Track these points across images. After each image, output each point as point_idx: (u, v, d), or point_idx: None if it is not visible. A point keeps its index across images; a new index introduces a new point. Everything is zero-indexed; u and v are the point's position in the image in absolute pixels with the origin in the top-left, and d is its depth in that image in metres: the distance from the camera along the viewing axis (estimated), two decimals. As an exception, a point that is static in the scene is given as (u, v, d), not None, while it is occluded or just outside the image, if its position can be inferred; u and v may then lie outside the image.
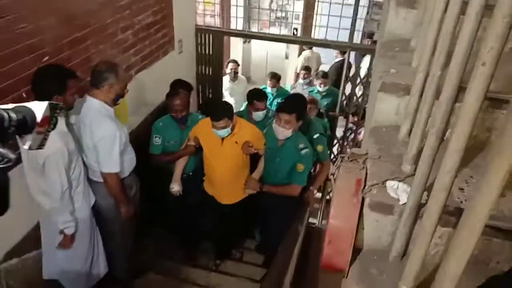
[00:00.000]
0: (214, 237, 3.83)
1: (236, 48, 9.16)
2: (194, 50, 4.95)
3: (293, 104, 2.99)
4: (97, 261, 2.82)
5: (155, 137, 3.27)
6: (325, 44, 4.63)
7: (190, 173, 3.44)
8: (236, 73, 5.77)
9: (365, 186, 1.13)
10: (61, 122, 2.29)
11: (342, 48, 4.84)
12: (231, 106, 3.11)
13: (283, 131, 2.86)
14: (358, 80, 4.74)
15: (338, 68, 6.21)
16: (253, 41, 8.93)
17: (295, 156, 2.93)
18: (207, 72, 5.05)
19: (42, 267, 2.75)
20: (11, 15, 2.28)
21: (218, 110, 2.95)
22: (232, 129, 2.97)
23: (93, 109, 2.47)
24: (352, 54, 4.89)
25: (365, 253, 1.16)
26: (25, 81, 2.36)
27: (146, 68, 3.90)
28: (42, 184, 2.34)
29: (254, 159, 3.24)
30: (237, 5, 6.41)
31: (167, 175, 3.37)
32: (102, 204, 2.72)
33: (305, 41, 5.25)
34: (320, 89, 5.42)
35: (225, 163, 3.09)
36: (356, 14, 4.24)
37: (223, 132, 2.92)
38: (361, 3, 4.40)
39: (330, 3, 4.36)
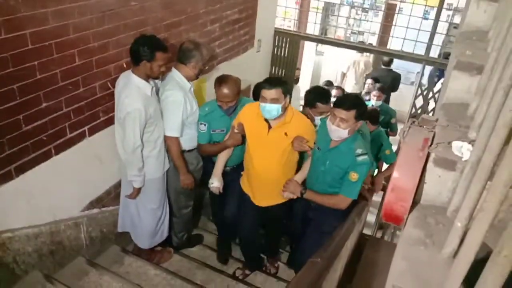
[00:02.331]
0: (246, 243, 3.28)
1: (307, 59, 9.34)
2: (270, 51, 5.21)
3: (352, 100, 2.43)
4: (163, 224, 3.08)
5: (200, 124, 2.91)
6: (400, 55, 4.67)
7: (235, 166, 3.07)
8: (297, 80, 5.95)
9: (431, 145, 1.24)
10: (146, 87, 2.57)
11: (417, 61, 4.85)
12: (287, 82, 2.77)
13: (337, 131, 2.39)
14: (431, 95, 4.71)
15: (388, 79, 5.78)
16: (325, 56, 9.03)
17: (349, 162, 2.46)
18: (280, 73, 5.28)
19: (116, 220, 3.07)
20: (125, -7, 2.64)
21: (272, 79, 2.65)
22: (283, 113, 2.54)
23: (173, 80, 2.75)
24: (427, 70, 4.87)
25: (424, 206, 1.26)
26: (127, 52, 2.70)
27: (227, 61, 4.19)
28: (122, 137, 2.62)
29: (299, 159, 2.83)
30: (315, 23, 6.59)
31: (211, 168, 3.02)
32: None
33: (380, 51, 5.32)
34: (374, 103, 4.64)
35: (268, 158, 2.65)
36: (435, 29, 4.25)
37: (273, 110, 2.46)
38: (443, 18, 4.42)
39: (410, 16, 4.41)
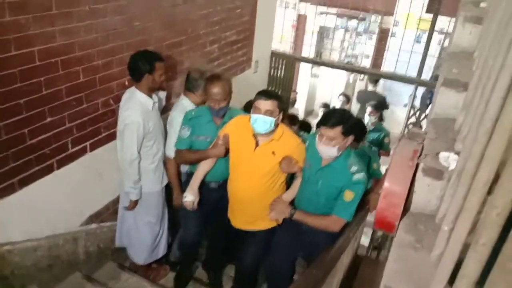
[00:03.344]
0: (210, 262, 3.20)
1: (303, 81, 9.53)
2: (267, 72, 5.34)
3: (337, 116, 2.26)
4: (160, 240, 3.11)
5: (183, 128, 2.68)
6: (393, 77, 4.81)
7: (221, 182, 2.76)
8: (294, 101, 6.09)
9: (420, 156, 1.32)
10: (148, 102, 2.65)
11: (410, 82, 4.98)
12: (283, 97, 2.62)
13: (326, 150, 2.25)
14: (423, 116, 4.84)
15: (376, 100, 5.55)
16: (320, 79, 9.23)
17: (344, 181, 2.29)
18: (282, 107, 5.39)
19: (114, 236, 3.10)
20: (129, 13, 2.75)
21: (269, 91, 2.50)
22: (274, 130, 2.38)
23: (182, 105, 2.87)
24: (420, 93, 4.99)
25: (414, 214, 1.33)
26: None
27: (225, 80, 4.30)
28: (120, 149, 2.69)
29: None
30: (311, 45, 6.79)
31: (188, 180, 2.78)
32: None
33: (373, 73, 5.47)
34: (372, 120, 4.57)
35: (251, 177, 2.46)
36: (427, 51, 4.41)
37: (266, 123, 2.29)
38: (435, 42, 4.58)
39: (402, 39, 4.57)
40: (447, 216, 1.11)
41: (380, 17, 7.61)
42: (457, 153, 1.32)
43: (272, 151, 2.40)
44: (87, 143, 2.71)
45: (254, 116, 2.31)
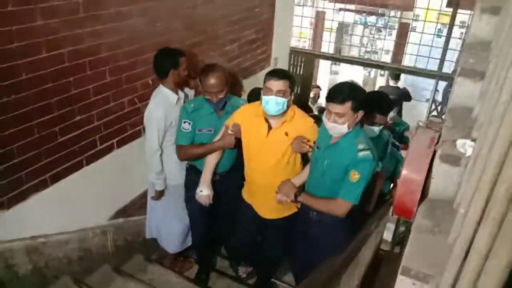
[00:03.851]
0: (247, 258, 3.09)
1: (323, 78, 9.53)
2: (287, 69, 5.38)
3: (345, 91, 2.11)
4: (190, 230, 3.14)
5: (184, 122, 2.57)
6: (413, 71, 4.78)
7: (224, 173, 2.73)
8: (318, 97, 6.11)
9: (437, 143, 1.35)
10: (173, 97, 2.71)
11: (430, 76, 4.95)
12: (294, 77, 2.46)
13: (334, 127, 2.12)
14: (445, 109, 4.79)
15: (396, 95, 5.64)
16: (340, 75, 9.21)
17: (350, 159, 2.16)
18: (296, 91, 5.43)
19: (140, 230, 3.21)
20: (152, 15, 2.85)
21: (279, 70, 2.48)
22: (285, 111, 2.31)
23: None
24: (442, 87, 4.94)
25: (432, 200, 1.37)
26: (152, 71, 2.89)
27: (245, 78, 4.37)
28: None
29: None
30: (329, 41, 6.79)
31: (195, 175, 2.71)
32: None
33: (394, 67, 5.45)
34: (390, 115, 4.67)
35: (268, 162, 2.41)
36: (447, 45, 4.37)
37: (279, 103, 2.22)
38: (456, 35, 4.54)
39: (422, 33, 4.54)
40: (463, 199, 1.14)
41: (399, 12, 7.55)
42: (474, 140, 1.35)
43: (284, 132, 2.34)
44: (114, 141, 2.82)
45: (265, 97, 2.23)
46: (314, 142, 2.36)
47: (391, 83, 6.05)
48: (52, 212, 2.54)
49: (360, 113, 2.15)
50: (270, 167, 2.42)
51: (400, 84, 6.55)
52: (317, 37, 7.41)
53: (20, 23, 2.06)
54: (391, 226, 5.14)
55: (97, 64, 2.53)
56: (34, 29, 2.13)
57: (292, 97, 2.31)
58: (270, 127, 2.36)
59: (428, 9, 4.96)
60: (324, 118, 2.17)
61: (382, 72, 7.43)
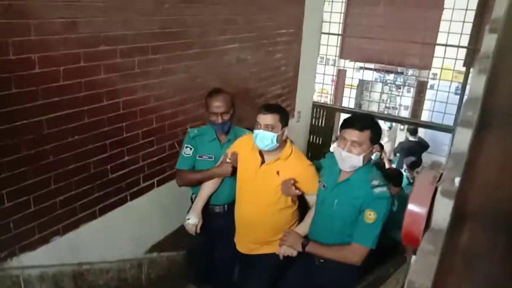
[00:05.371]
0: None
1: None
2: (309, 122, 5.75)
3: (365, 119, 1.97)
4: None
5: (186, 147, 2.60)
6: (429, 125, 5.06)
7: (226, 206, 2.62)
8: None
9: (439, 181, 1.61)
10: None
11: (445, 130, 5.18)
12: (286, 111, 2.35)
13: (349, 158, 1.92)
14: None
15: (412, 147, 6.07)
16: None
17: (364, 196, 1.94)
18: (317, 141, 5.76)
19: (171, 265, 3.44)
20: (193, 71, 3.27)
21: (270, 104, 2.38)
22: (280, 148, 2.22)
23: None
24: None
25: (435, 230, 1.61)
26: (191, 119, 3.27)
27: (270, 129, 4.73)
28: None
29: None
30: (349, 97, 7.20)
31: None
32: None
33: (411, 122, 5.73)
34: (409, 175, 4.93)
35: (256, 197, 2.28)
36: (461, 101, 4.66)
37: (266, 138, 2.13)
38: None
39: (437, 90, 4.86)
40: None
41: (417, 71, 7.95)
42: (470, 179, 1.61)
43: (276, 170, 2.23)
44: (155, 180, 3.15)
45: (255, 131, 2.19)
46: (319, 181, 2.19)
47: (410, 138, 6.36)
48: (97, 242, 2.83)
49: (375, 148, 2.01)
50: (257, 202, 2.29)
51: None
52: (338, 93, 7.84)
53: (88, 76, 2.48)
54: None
55: (146, 112, 2.92)
56: (99, 81, 2.55)
57: (285, 132, 2.22)
58: (263, 161, 2.29)
59: (443, 68, 5.32)
60: (335, 148, 2.00)
61: (402, 126, 7.71)
